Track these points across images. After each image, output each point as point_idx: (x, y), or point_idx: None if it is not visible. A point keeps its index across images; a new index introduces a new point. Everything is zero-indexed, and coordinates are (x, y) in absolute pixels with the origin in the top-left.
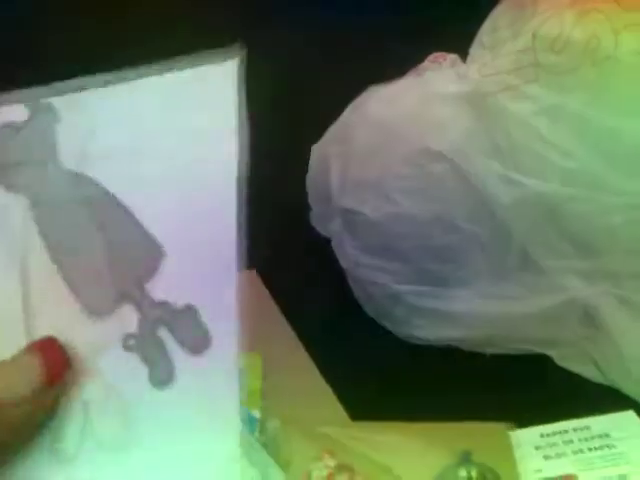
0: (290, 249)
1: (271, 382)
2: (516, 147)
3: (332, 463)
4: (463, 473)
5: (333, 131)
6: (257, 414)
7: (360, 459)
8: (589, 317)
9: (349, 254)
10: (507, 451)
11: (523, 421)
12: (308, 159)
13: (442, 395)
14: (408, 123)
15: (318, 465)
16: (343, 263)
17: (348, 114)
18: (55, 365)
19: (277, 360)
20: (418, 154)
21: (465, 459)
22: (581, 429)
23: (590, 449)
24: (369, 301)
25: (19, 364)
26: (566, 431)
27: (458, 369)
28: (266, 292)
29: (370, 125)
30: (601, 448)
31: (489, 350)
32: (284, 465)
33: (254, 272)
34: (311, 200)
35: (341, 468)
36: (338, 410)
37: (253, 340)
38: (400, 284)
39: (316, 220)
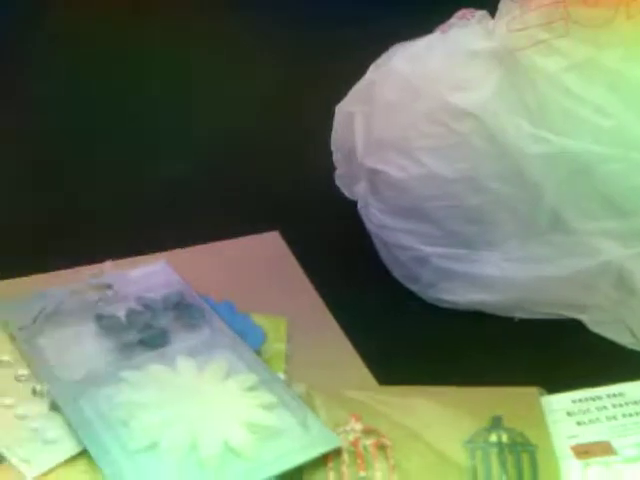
0: (316, 212)
1: (296, 345)
2: (546, 104)
3: (359, 427)
4: (494, 438)
5: (357, 90)
6: (282, 376)
7: (388, 423)
8: (623, 281)
9: (375, 216)
10: (539, 417)
11: (554, 387)
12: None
13: (470, 360)
14: (433, 80)
15: (344, 429)
16: (369, 226)
17: (372, 72)
18: None
19: (302, 323)
20: (443, 112)
21: (496, 424)
22: (615, 395)
23: (624, 415)
24: (396, 264)
25: None
26: (600, 397)
27: (487, 334)
28: (290, 254)
29: (394, 82)
30: (636, 414)
31: (518, 314)
32: None
33: (277, 234)
34: (336, 161)
35: (368, 432)
36: (365, 374)
37: (277, 302)
38: (427, 246)
39: (341, 182)
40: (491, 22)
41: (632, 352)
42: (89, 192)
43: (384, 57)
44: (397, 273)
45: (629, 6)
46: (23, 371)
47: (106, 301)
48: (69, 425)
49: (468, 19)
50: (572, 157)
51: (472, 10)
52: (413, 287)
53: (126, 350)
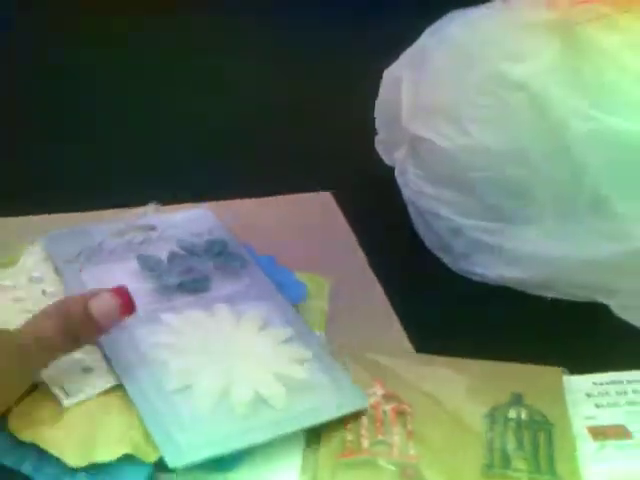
0: (357, 174)
1: (338, 306)
2: (601, 81)
3: (380, 392)
4: (512, 414)
5: (408, 55)
6: (321, 335)
7: (410, 390)
8: None
9: (412, 183)
10: (559, 396)
11: (577, 368)
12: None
13: (498, 335)
14: (487, 49)
15: (367, 392)
16: (405, 192)
17: (425, 37)
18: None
19: (347, 284)
20: (495, 82)
21: (516, 400)
22: (636, 381)
23: None
24: (429, 233)
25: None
26: (621, 382)
27: (518, 311)
28: (341, 215)
29: (448, 49)
30: None
31: (549, 294)
32: None
33: (328, 194)
34: (378, 125)
35: (389, 397)
36: (403, 340)
37: (323, 262)
38: (463, 217)
39: (382, 146)
40: None
41: None
42: (137, 141)
43: (438, 23)
44: (429, 242)
45: None
46: None
47: (149, 242)
48: (107, 359)
49: None
50: (622, 138)
51: None
52: (445, 258)
53: (166, 292)
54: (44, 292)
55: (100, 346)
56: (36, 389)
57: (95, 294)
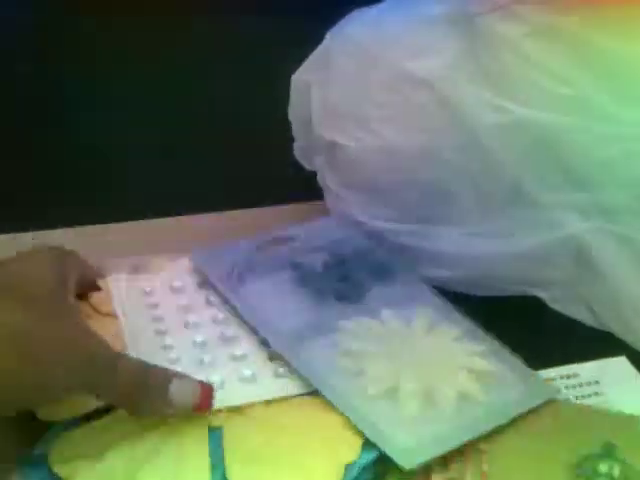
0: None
1: None
2: (506, 72)
3: None
4: (604, 468)
5: (313, 58)
6: None
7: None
8: (583, 256)
9: (331, 189)
10: None
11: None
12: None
13: None
14: (389, 47)
15: None
16: (327, 199)
17: (328, 40)
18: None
19: None
20: (399, 80)
21: (608, 452)
22: (569, 376)
23: (577, 397)
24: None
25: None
26: (553, 379)
27: None
28: None
29: (351, 49)
30: (589, 396)
31: (477, 292)
32: None
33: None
34: (294, 132)
35: None
36: None
37: None
38: (382, 221)
39: (300, 154)
40: None
41: (588, 330)
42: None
43: (340, 24)
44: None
45: None
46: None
47: (297, 253)
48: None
49: None
50: (533, 127)
51: None
52: None
53: (326, 301)
54: (180, 306)
55: (280, 359)
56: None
57: (182, 376)
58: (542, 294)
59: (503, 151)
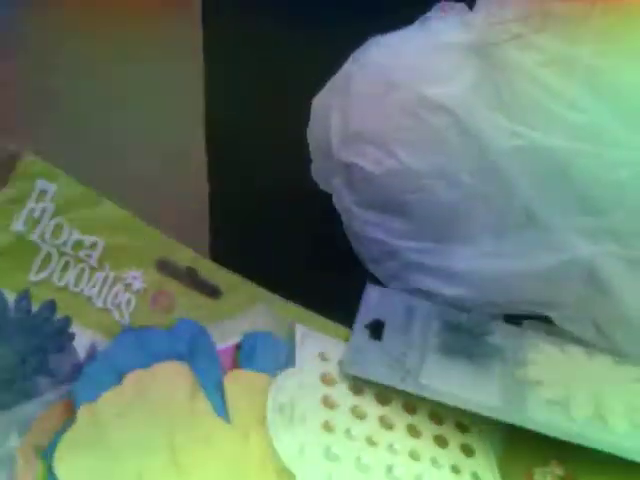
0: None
1: None
2: (521, 99)
3: (559, 472)
4: None
5: (334, 82)
6: None
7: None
8: (592, 278)
9: (348, 208)
10: None
11: None
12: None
13: None
14: (409, 73)
15: (543, 469)
16: (343, 218)
17: (349, 64)
18: None
19: None
20: (418, 105)
21: None
22: None
23: None
24: (368, 258)
25: None
26: None
27: None
28: None
29: (370, 75)
30: None
31: (489, 310)
32: None
33: None
34: (312, 154)
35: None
36: None
37: None
38: (399, 240)
39: (317, 174)
40: (470, 14)
41: None
42: None
43: (361, 49)
44: (370, 266)
45: (607, 2)
46: None
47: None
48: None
49: (446, 11)
50: (545, 152)
51: (452, 2)
52: (385, 280)
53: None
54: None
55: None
56: None
57: None
58: (552, 314)
59: (517, 175)
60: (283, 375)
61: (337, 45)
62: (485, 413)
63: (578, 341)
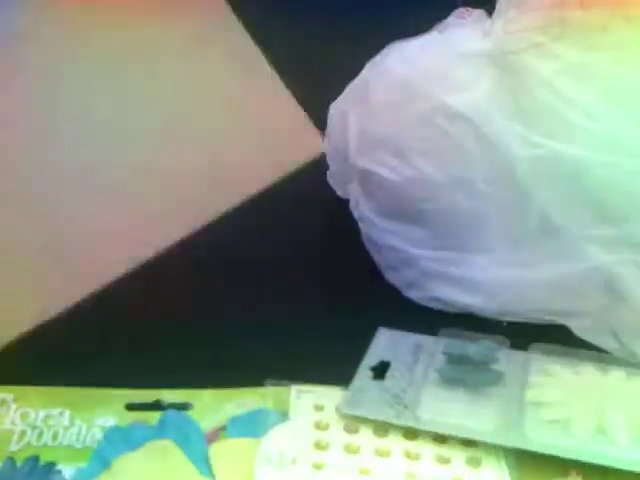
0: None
1: None
2: (539, 108)
3: None
4: None
5: (352, 89)
6: None
7: None
8: (611, 287)
9: (365, 216)
10: None
11: None
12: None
13: None
14: (427, 81)
15: None
16: (360, 225)
17: (367, 71)
18: None
19: None
20: (436, 113)
21: None
22: None
23: None
24: (385, 265)
25: None
26: None
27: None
28: None
29: (388, 82)
30: None
31: (506, 318)
32: None
33: None
34: (329, 159)
35: None
36: None
37: None
38: (416, 248)
39: (334, 180)
40: (488, 22)
41: None
42: None
43: (380, 56)
44: (387, 274)
45: (626, 10)
46: None
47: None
48: None
49: (465, 18)
50: (563, 161)
51: (470, 9)
52: (403, 288)
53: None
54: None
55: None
56: None
57: None
58: (571, 323)
59: (534, 183)
60: (275, 429)
61: (355, 52)
62: (481, 439)
63: (589, 358)
